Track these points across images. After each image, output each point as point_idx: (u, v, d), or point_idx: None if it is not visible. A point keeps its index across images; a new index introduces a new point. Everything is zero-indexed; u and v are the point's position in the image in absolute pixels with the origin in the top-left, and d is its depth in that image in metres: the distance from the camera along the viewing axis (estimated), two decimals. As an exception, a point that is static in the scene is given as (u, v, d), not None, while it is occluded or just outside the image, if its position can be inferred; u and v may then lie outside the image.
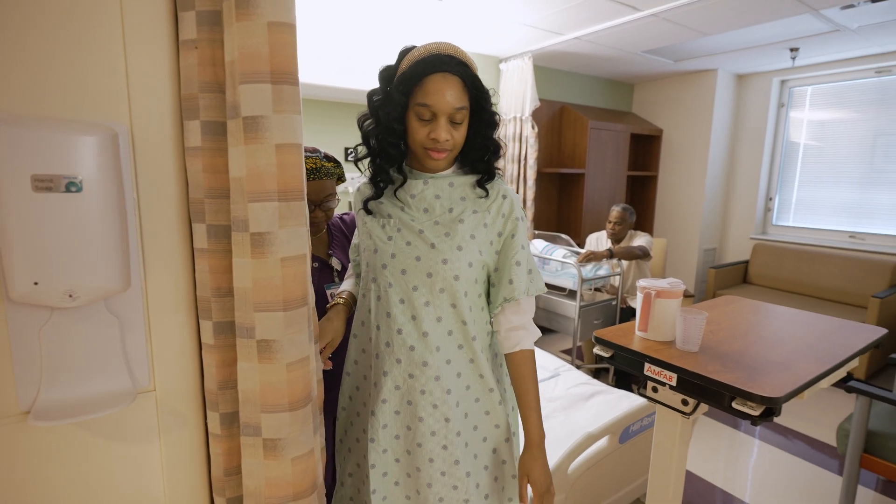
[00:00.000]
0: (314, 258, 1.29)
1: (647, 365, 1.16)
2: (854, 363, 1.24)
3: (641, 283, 1.26)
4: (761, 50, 3.51)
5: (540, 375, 1.91)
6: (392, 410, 1.00)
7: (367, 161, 1.02)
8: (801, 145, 4.14)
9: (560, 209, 4.39)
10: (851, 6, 2.63)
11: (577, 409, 2.00)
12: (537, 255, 3.21)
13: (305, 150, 1.16)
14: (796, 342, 1.28)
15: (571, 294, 3.04)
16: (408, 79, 0.89)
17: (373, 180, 1.00)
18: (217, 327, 0.84)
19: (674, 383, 1.11)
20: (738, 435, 2.63)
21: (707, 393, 1.06)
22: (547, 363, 2.43)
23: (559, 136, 4.24)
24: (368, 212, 1.01)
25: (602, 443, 1.70)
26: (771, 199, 4.34)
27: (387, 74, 0.96)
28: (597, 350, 1.31)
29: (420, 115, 0.90)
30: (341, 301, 1.12)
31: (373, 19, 2.97)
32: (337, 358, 1.20)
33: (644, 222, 4.73)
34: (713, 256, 4.57)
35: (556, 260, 3.08)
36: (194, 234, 0.82)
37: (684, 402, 1.14)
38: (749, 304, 1.65)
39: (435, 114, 0.89)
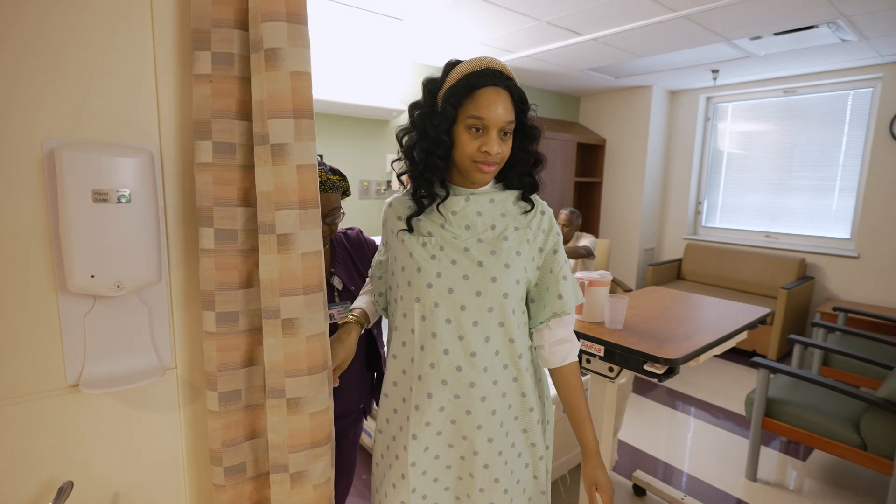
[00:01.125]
0: None
1: (582, 340, 1.43)
2: (742, 335, 1.56)
3: (578, 275, 1.53)
4: (688, 70, 3.94)
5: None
6: (434, 432, 0.98)
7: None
8: (725, 154, 4.64)
9: (514, 213, 4.68)
10: (758, 38, 3.06)
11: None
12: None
13: (325, 167, 1.20)
14: (699, 321, 1.58)
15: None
16: (459, 91, 0.89)
17: (415, 195, 0.97)
18: (219, 317, 0.99)
19: (602, 354, 1.38)
20: (676, 414, 2.99)
21: (627, 360, 1.33)
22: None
23: (512, 144, 4.54)
24: (409, 229, 0.98)
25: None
26: (700, 202, 4.82)
27: (432, 87, 0.95)
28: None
29: (471, 126, 0.89)
30: (352, 319, 1.08)
31: (337, 36, 3.15)
32: (343, 374, 1.19)
33: (590, 224, 5.11)
34: (651, 255, 5.01)
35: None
36: (202, 237, 0.98)
37: (610, 370, 1.41)
38: (668, 292, 1.96)
39: (486, 126, 0.89)
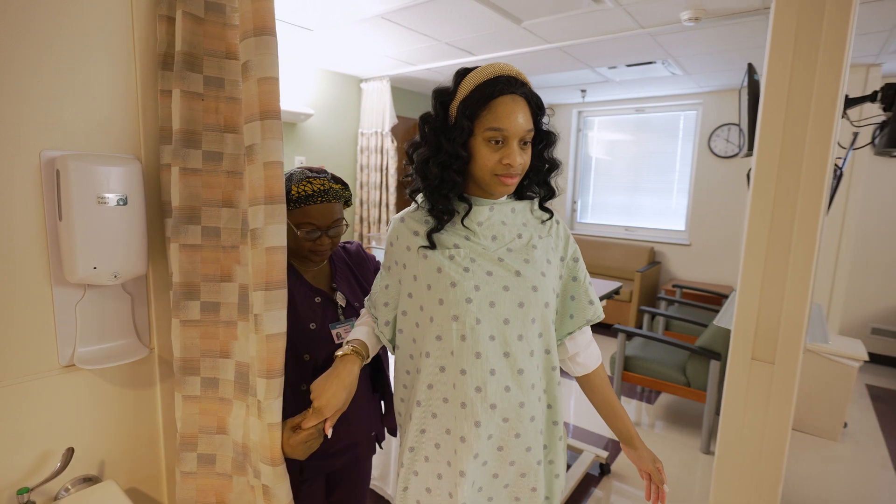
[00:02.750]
0: (316, 292, 1.15)
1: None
2: (602, 303, 2.05)
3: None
4: (563, 88, 4.61)
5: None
6: (481, 463, 0.90)
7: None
8: (594, 160, 5.44)
9: (417, 211, 5.03)
10: (615, 67, 3.74)
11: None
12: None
13: (312, 171, 1.11)
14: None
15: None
16: (474, 102, 0.84)
17: (434, 211, 0.91)
18: (203, 306, 1.16)
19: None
20: (565, 381, 3.55)
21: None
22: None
23: (414, 148, 4.88)
24: (431, 244, 0.91)
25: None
26: (576, 201, 5.60)
27: (444, 98, 0.89)
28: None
29: (490, 138, 0.84)
30: (350, 350, 0.95)
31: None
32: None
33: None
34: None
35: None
36: (189, 233, 1.14)
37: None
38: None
39: (506, 138, 0.84)
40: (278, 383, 0.94)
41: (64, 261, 1.00)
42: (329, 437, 0.94)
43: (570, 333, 0.98)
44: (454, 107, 0.88)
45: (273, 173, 0.93)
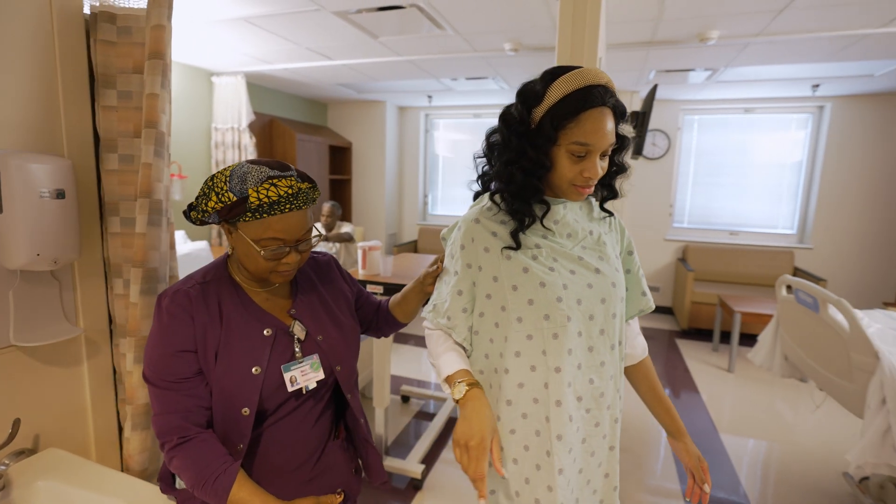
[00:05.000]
0: (266, 322, 0.90)
1: (367, 285, 2.18)
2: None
3: (360, 244, 2.27)
4: (412, 93, 5.12)
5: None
6: (572, 459, 0.91)
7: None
8: (440, 158, 6.10)
9: (277, 207, 5.08)
10: (456, 79, 4.36)
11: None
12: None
13: (272, 168, 0.84)
14: (434, 268, 2.55)
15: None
16: (564, 114, 0.81)
17: (515, 213, 0.89)
18: (125, 283, 1.33)
19: (382, 291, 2.17)
20: (423, 351, 4.07)
21: (395, 290, 2.16)
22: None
23: (271, 145, 4.92)
24: (517, 245, 0.89)
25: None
26: (427, 195, 6.21)
27: (532, 102, 0.85)
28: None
29: (574, 152, 0.82)
30: (467, 384, 0.86)
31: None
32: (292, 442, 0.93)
33: (345, 215, 5.92)
34: (395, 238, 6.17)
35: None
36: (110, 224, 1.30)
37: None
38: (411, 256, 2.91)
39: (590, 152, 0.83)
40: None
41: (4, 249, 1.11)
42: (505, 477, 0.88)
43: (631, 319, 1.02)
44: (539, 112, 0.84)
45: (146, 173, 1.22)
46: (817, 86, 4.08)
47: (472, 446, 0.79)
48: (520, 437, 0.91)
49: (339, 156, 5.84)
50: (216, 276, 0.92)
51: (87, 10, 1.25)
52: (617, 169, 0.94)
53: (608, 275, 0.93)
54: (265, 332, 0.90)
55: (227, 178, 0.83)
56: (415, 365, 3.77)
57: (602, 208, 0.99)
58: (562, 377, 0.87)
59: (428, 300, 1.04)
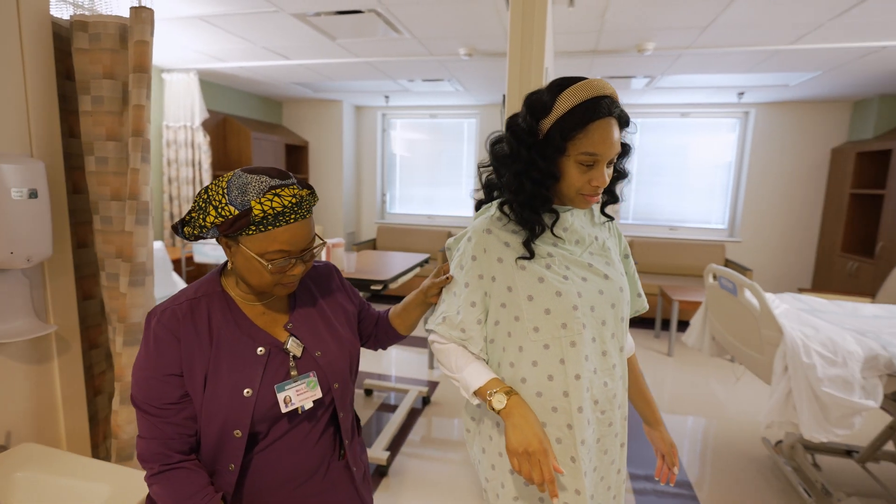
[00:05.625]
0: (259, 340, 0.86)
1: (332, 281, 2.27)
2: (416, 269, 2.71)
3: (327, 241, 2.35)
4: (370, 94, 5.18)
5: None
6: (589, 458, 0.93)
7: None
8: (398, 157, 6.19)
9: (232, 206, 5.01)
10: (413, 80, 4.46)
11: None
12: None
13: (271, 176, 0.80)
14: (392, 265, 2.66)
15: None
16: (573, 125, 0.83)
17: (526, 223, 0.90)
18: (108, 276, 1.38)
19: (346, 286, 2.26)
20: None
21: (359, 285, 2.25)
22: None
23: (224, 143, 4.85)
24: (531, 254, 0.91)
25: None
26: (385, 194, 6.28)
27: (540, 113, 0.86)
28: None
29: (582, 162, 0.85)
30: (507, 395, 0.86)
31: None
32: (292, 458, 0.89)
33: (302, 215, 5.90)
34: (354, 237, 6.20)
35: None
36: (94, 221, 1.35)
37: (351, 296, 2.31)
38: (373, 253, 3.01)
39: (598, 161, 0.85)
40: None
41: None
42: (563, 473, 0.87)
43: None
44: (548, 123, 0.86)
45: (136, 178, 1.36)
46: (742, 93, 4.48)
47: (532, 452, 0.80)
48: None
49: (296, 155, 5.81)
50: (207, 291, 0.87)
51: (66, 19, 1.29)
52: (618, 175, 0.95)
53: (616, 280, 0.96)
54: (258, 350, 0.85)
55: (225, 191, 0.78)
56: (376, 360, 3.85)
57: (603, 213, 1.02)
58: (581, 384, 0.89)
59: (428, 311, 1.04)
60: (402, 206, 6.25)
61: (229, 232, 0.78)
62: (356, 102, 5.78)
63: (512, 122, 0.90)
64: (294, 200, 0.78)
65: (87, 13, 1.26)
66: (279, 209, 0.77)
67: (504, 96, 2.75)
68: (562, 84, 0.86)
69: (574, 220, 0.95)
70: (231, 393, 0.81)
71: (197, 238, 0.82)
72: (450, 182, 5.97)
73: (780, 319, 1.75)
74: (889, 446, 2.36)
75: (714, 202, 5.29)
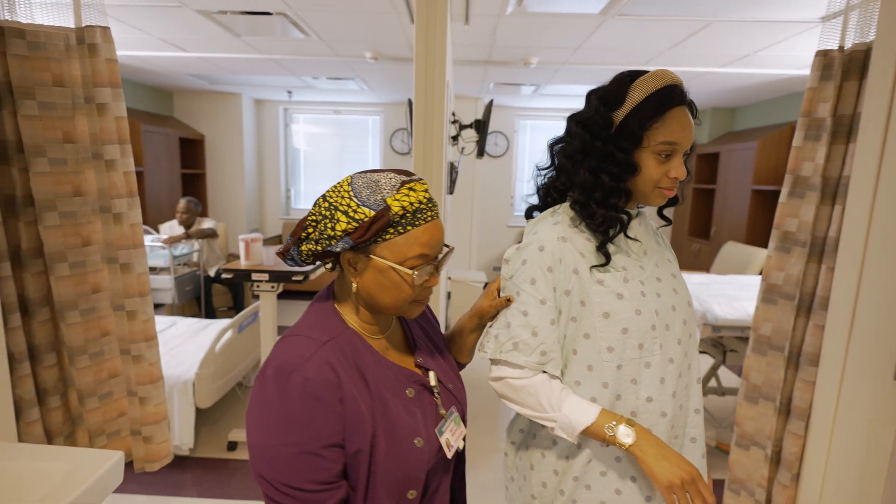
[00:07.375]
0: (404, 376, 0.75)
1: (253, 274, 2.38)
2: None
3: (242, 236, 2.44)
4: (272, 88, 5.14)
5: (159, 325, 2.80)
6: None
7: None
8: (301, 152, 6.17)
9: (121, 203, 4.69)
10: (318, 78, 4.54)
11: (204, 329, 2.96)
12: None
13: (396, 172, 0.71)
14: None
15: (163, 270, 3.76)
16: (649, 114, 0.79)
17: (601, 224, 0.83)
18: (71, 265, 1.45)
19: (268, 278, 2.38)
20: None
21: (278, 277, 2.39)
22: (164, 319, 3.19)
23: (111, 134, 4.52)
24: (606, 262, 0.83)
25: (230, 334, 2.76)
26: (289, 189, 6.23)
27: (612, 101, 0.82)
28: (224, 275, 2.39)
29: (661, 152, 0.81)
30: (634, 429, 0.78)
31: None
32: None
33: (203, 211, 5.65)
34: (258, 234, 6.08)
35: (148, 245, 3.70)
36: (46, 218, 1.39)
37: (272, 287, 2.43)
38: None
39: (676, 151, 0.81)
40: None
41: None
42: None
43: None
44: (621, 114, 0.82)
45: (128, 178, 1.53)
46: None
47: (688, 481, 0.74)
48: (610, 480, 0.85)
49: (191, 149, 5.55)
50: (337, 328, 0.71)
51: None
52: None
53: (683, 294, 0.90)
54: (407, 391, 0.73)
55: (351, 194, 0.67)
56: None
57: (661, 215, 0.96)
58: (653, 407, 0.83)
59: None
60: (306, 202, 6.25)
61: (364, 239, 0.66)
62: (256, 96, 5.67)
63: (582, 118, 0.85)
64: (428, 195, 0.70)
65: (18, 19, 1.29)
66: (417, 205, 0.67)
67: (410, 100, 3.02)
68: (631, 75, 0.83)
69: (640, 227, 0.90)
70: (405, 446, 0.69)
71: (319, 256, 0.70)
72: (356, 177, 6.11)
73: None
74: (713, 383, 3.04)
75: (592, 196, 6.06)
